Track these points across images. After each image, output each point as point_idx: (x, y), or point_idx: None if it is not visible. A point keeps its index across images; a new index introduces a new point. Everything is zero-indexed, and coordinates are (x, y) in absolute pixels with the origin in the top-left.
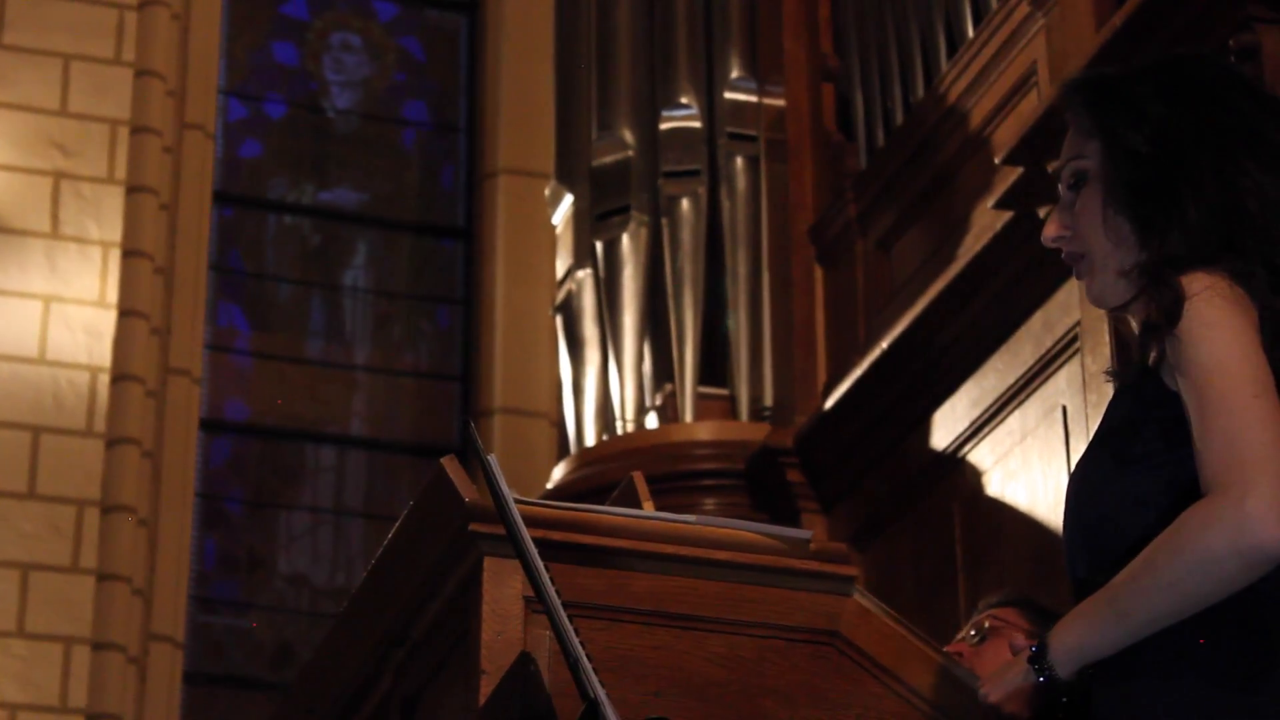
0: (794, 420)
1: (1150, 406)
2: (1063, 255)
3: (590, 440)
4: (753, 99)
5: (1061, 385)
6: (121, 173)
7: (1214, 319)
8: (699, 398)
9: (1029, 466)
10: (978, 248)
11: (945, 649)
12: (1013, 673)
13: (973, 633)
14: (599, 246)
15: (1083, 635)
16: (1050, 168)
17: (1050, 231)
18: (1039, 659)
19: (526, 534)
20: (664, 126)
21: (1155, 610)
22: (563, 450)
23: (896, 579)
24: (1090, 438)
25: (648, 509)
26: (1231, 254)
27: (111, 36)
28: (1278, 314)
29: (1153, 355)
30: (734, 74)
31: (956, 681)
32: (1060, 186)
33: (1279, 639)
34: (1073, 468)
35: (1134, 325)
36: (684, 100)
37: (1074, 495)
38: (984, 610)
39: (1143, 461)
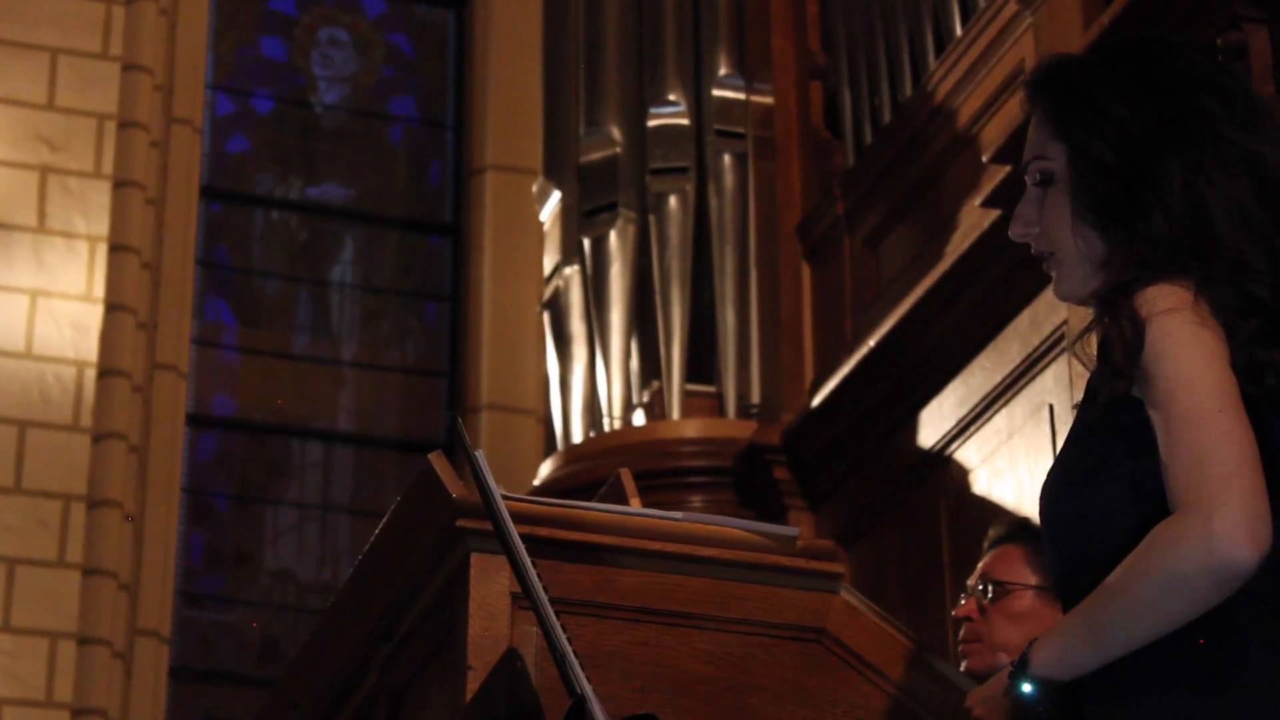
0: (781, 418)
1: (1115, 413)
2: (1031, 249)
3: (577, 437)
4: (740, 96)
5: (1049, 384)
6: (109, 167)
7: (1178, 334)
8: (686, 395)
9: (1016, 465)
10: (965, 246)
11: (955, 613)
12: (996, 687)
13: (982, 588)
14: (586, 243)
15: (1061, 654)
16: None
17: (1017, 229)
18: (1019, 675)
19: (514, 530)
20: (652, 123)
21: (1131, 631)
22: (550, 447)
23: (883, 577)
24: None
25: (635, 506)
26: (1199, 265)
27: (99, 31)
28: (1243, 331)
29: (1122, 384)
30: (722, 71)
31: (942, 678)
32: (1026, 179)
33: (1247, 640)
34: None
35: (1098, 334)
36: (672, 97)
37: (1046, 503)
38: (990, 546)
39: (1110, 469)
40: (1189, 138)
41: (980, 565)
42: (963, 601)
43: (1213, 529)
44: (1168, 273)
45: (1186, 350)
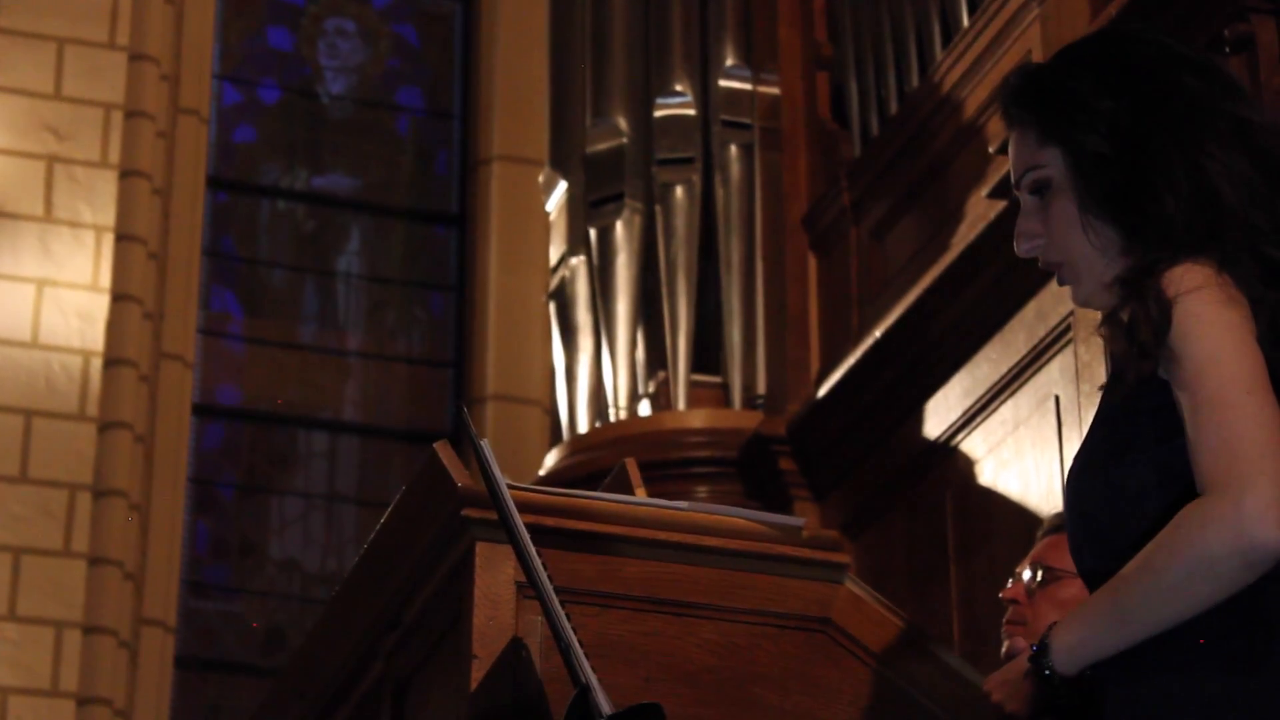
0: (787, 408)
1: (1142, 395)
2: (1040, 263)
3: (583, 427)
4: (747, 87)
5: (1054, 375)
6: (115, 157)
7: (1205, 314)
8: (692, 385)
9: (1021, 456)
10: (971, 237)
11: (1001, 595)
12: (1015, 671)
13: (1032, 573)
14: (593, 233)
15: (1084, 636)
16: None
17: (1023, 245)
18: (1040, 658)
19: (519, 519)
20: (658, 114)
21: (1158, 613)
22: (555, 437)
23: (888, 567)
24: (1085, 427)
25: (640, 496)
26: (1216, 243)
27: (105, 20)
28: (1269, 304)
29: (1149, 364)
30: (729, 62)
31: (948, 669)
32: (1021, 194)
33: (1276, 622)
34: (1071, 458)
35: (1123, 317)
36: (678, 87)
37: (1072, 487)
38: (1045, 533)
39: (1137, 451)
40: (1178, 116)
41: (1032, 552)
42: (1010, 584)
43: (1244, 510)
44: (1189, 252)
45: (1213, 331)
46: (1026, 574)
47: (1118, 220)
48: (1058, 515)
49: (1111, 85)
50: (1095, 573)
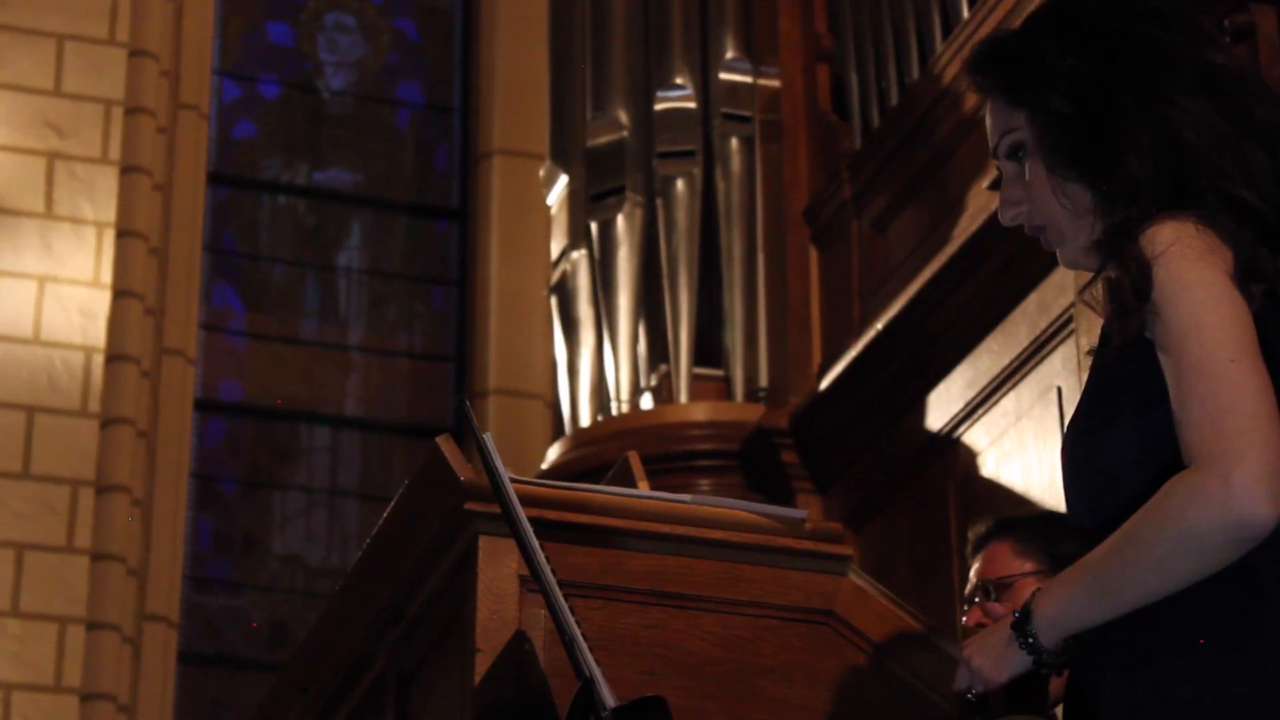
0: (789, 401)
1: (1128, 359)
2: (1026, 230)
3: (585, 421)
4: (748, 79)
5: (1056, 366)
6: (116, 153)
7: (1186, 276)
8: (694, 378)
9: (1024, 447)
10: (973, 228)
11: (965, 623)
12: (995, 637)
13: (984, 591)
14: (594, 227)
15: (1066, 607)
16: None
17: (1006, 212)
18: (1022, 626)
19: (522, 513)
20: (659, 107)
21: (1141, 587)
22: (557, 431)
23: (891, 559)
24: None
25: (643, 489)
26: (1188, 194)
27: (105, 16)
28: (1250, 248)
29: (1133, 324)
30: (729, 54)
31: (950, 660)
32: (1000, 162)
33: (1267, 595)
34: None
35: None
36: (679, 81)
37: (1067, 448)
38: (974, 551)
39: (1124, 418)
40: (1139, 67)
41: (973, 574)
42: (968, 610)
43: (1232, 485)
44: (1162, 207)
45: (1195, 293)
46: (979, 598)
47: (1085, 180)
48: (980, 528)
49: (1072, 43)
50: (1094, 534)
